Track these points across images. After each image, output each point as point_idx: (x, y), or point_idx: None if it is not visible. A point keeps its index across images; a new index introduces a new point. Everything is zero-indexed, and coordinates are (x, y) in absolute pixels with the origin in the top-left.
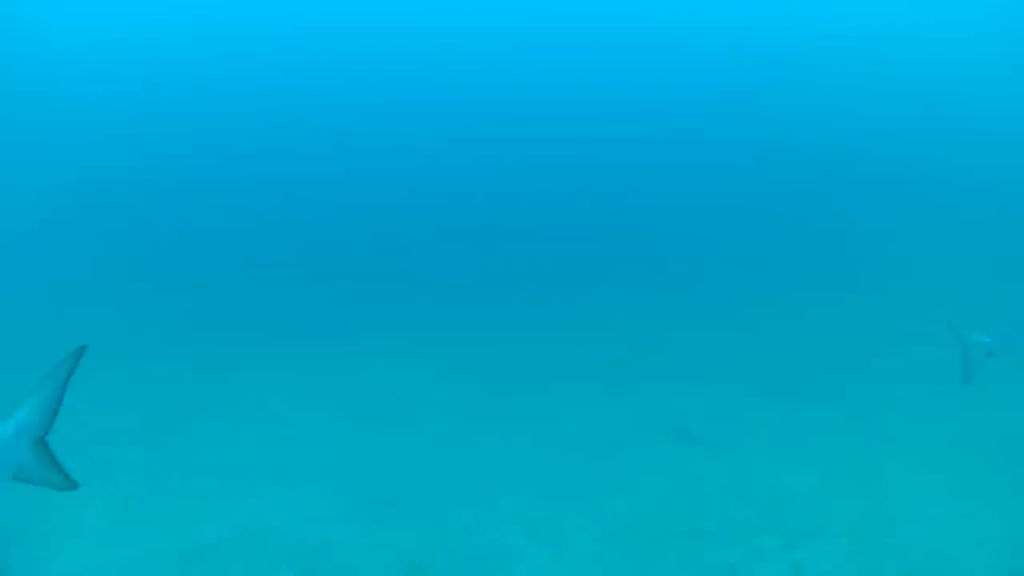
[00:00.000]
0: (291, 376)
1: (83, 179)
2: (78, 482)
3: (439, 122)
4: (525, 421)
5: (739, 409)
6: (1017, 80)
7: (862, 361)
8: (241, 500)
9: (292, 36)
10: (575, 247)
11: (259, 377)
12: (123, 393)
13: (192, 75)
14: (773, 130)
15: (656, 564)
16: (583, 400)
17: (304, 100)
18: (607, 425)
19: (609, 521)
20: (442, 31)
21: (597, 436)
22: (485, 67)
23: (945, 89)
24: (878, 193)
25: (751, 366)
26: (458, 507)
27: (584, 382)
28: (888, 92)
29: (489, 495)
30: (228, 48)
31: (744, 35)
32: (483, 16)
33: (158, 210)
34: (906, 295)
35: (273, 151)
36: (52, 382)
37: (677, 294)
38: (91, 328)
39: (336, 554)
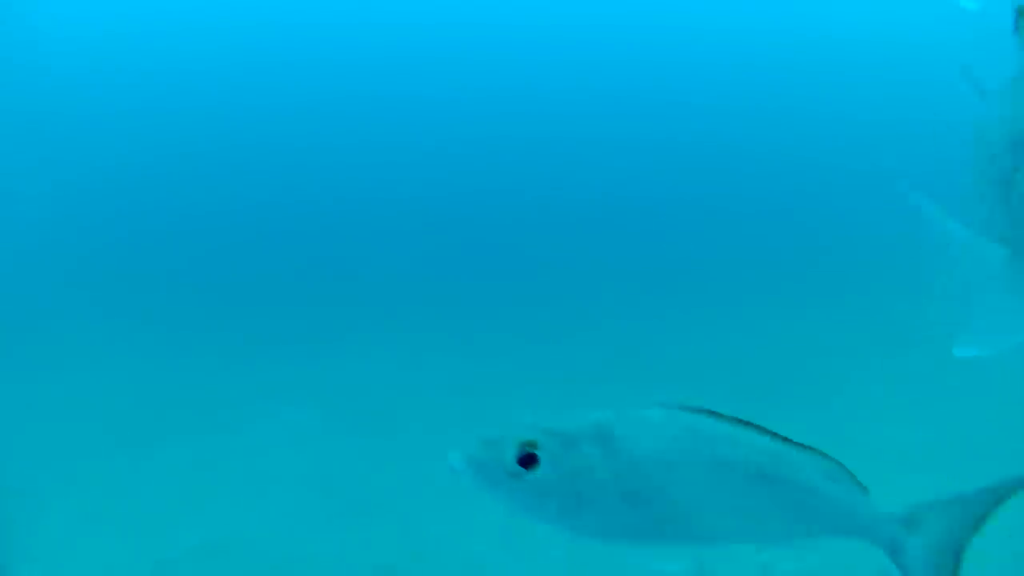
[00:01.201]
0: (264, 382)
1: (51, 178)
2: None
3: (415, 120)
4: (500, 427)
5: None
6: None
7: (844, 366)
8: (213, 509)
9: (275, 36)
10: (554, 248)
11: (231, 383)
12: (88, 398)
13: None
14: (756, 131)
15: (629, 569)
16: (560, 406)
17: (276, 97)
18: None
19: None
20: (434, 29)
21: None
22: (461, 61)
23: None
24: (864, 197)
25: (730, 370)
26: (432, 516)
27: (562, 387)
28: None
29: (463, 503)
30: (208, 49)
31: (738, 35)
32: (475, 14)
33: (124, 211)
34: (891, 299)
35: (243, 154)
36: None
37: (654, 297)
38: (56, 331)
39: (307, 563)
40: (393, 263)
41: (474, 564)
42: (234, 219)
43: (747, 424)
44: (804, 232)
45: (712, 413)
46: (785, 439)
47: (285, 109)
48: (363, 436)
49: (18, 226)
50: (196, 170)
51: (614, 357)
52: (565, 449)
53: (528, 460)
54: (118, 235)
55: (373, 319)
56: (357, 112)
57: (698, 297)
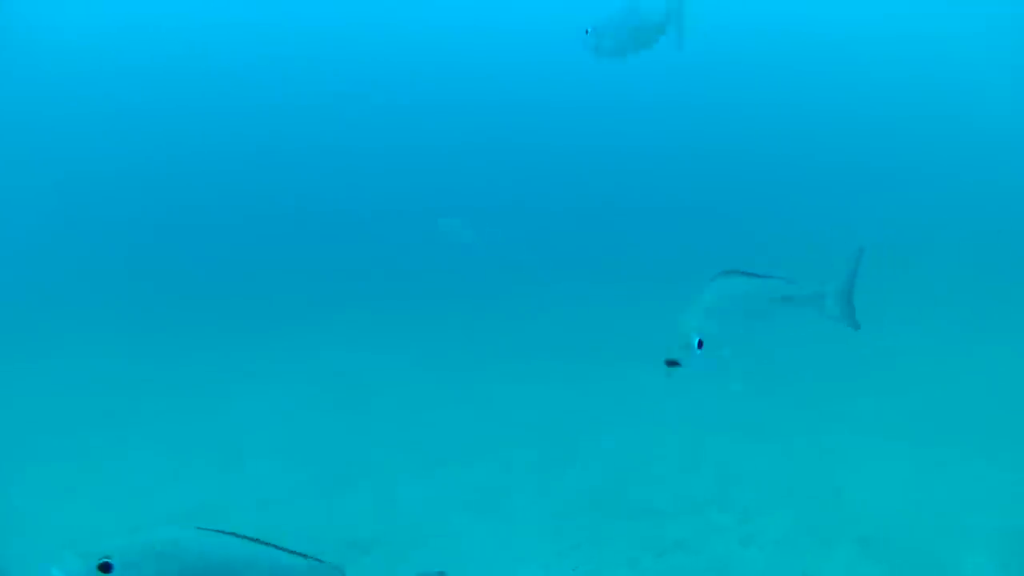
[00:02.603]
0: (239, 358)
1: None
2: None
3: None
4: (476, 402)
5: (689, 385)
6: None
7: (814, 332)
8: (186, 483)
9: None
10: (529, 231)
11: (206, 360)
12: (65, 375)
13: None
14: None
15: (605, 541)
16: (534, 382)
17: (268, 95)
18: (557, 405)
19: (558, 498)
20: (429, 31)
21: (547, 415)
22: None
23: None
24: (847, 190)
25: None
26: (406, 486)
27: (535, 363)
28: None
29: (437, 473)
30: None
31: (727, 34)
32: (468, 16)
33: (101, 198)
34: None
35: (216, 145)
36: None
37: (626, 276)
38: (35, 311)
39: (280, 535)
40: (373, 246)
41: (446, 532)
42: (213, 208)
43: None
44: (774, 220)
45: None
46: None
47: (276, 107)
48: (338, 410)
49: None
50: (174, 161)
51: (583, 335)
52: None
53: (105, 567)
54: (100, 221)
55: (352, 299)
56: (333, 109)
57: (666, 275)
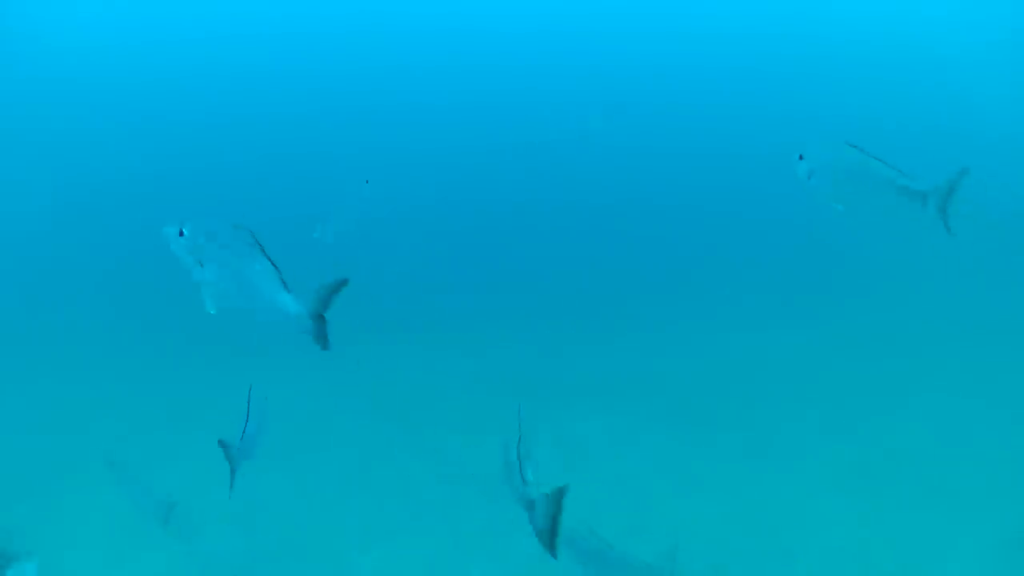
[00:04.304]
0: (179, 409)
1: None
2: None
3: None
4: (420, 456)
5: (637, 438)
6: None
7: (765, 385)
8: (133, 557)
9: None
10: (457, 257)
11: (143, 414)
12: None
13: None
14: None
15: None
16: (473, 432)
17: (266, 99)
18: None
19: (512, 563)
20: (427, 32)
21: (493, 470)
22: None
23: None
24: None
25: (650, 391)
26: (358, 555)
27: (474, 409)
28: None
29: (386, 538)
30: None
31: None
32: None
33: (95, 217)
34: (811, 316)
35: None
36: None
37: (569, 313)
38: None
39: None
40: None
41: None
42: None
43: None
44: (721, 252)
45: None
46: None
47: (271, 111)
48: (287, 469)
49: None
50: (153, 168)
51: (521, 376)
52: None
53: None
54: (91, 242)
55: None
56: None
57: (611, 315)
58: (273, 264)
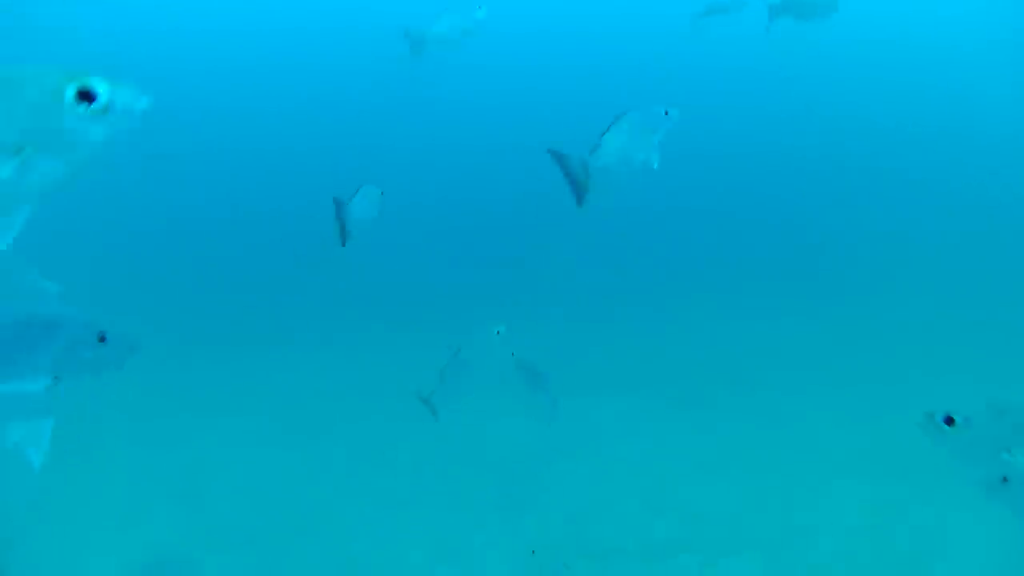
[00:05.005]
0: (193, 391)
1: None
2: None
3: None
4: (435, 437)
5: (655, 421)
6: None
7: (780, 369)
8: (140, 529)
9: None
10: (473, 248)
11: (158, 392)
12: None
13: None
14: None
15: None
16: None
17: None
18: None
19: (520, 540)
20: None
21: (508, 452)
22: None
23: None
24: (796, 197)
25: (667, 376)
26: (364, 527)
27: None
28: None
29: (395, 514)
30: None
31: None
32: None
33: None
34: (826, 302)
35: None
36: None
37: (586, 301)
38: None
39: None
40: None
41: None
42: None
43: None
44: (737, 239)
45: None
46: None
47: (272, 110)
48: (295, 447)
49: None
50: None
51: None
52: None
53: None
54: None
55: (305, 326)
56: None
57: (627, 303)
58: None
